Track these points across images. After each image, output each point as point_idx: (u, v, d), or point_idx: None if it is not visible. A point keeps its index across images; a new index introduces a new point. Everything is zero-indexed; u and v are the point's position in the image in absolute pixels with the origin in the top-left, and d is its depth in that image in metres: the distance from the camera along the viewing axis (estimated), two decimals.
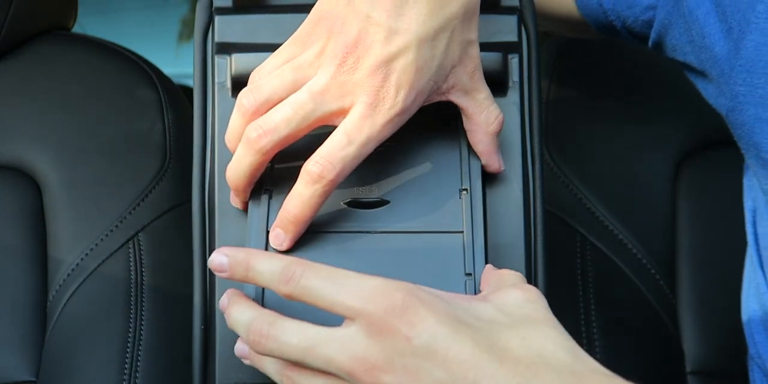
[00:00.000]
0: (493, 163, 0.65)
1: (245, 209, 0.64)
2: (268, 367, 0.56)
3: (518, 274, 0.59)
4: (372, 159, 0.64)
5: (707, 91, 0.76)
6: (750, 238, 0.78)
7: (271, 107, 0.60)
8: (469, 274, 0.63)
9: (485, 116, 0.64)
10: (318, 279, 0.53)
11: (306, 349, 0.52)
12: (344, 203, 0.64)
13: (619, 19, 0.82)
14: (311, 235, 0.63)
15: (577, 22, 0.84)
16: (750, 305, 0.79)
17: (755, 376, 0.78)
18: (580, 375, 0.50)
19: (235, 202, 0.65)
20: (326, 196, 0.60)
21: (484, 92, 0.63)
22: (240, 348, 0.59)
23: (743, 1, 0.70)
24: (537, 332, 0.52)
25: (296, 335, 0.52)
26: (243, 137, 0.60)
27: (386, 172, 0.65)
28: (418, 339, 0.50)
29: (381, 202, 0.64)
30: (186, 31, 2.77)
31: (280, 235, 0.61)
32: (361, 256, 0.63)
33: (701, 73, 0.76)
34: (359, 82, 0.59)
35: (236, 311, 0.56)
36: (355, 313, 0.51)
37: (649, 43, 0.81)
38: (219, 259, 0.55)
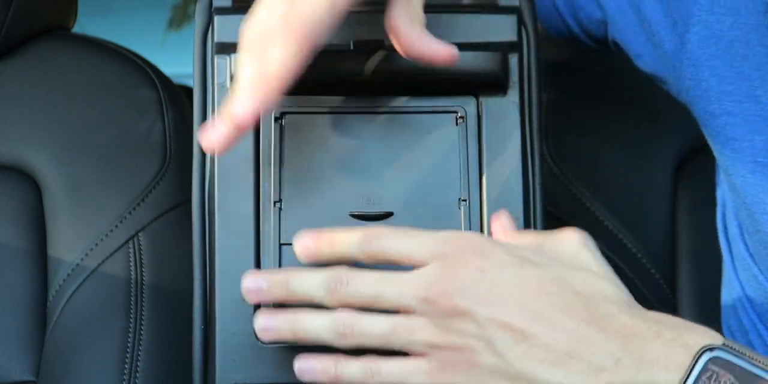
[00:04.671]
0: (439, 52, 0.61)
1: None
2: (319, 321, 0.59)
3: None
4: (374, 171, 0.66)
5: (672, 92, 0.76)
6: (720, 234, 0.78)
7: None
8: None
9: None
10: (394, 238, 0.58)
11: (378, 289, 0.57)
12: (351, 216, 0.66)
13: (576, 21, 0.82)
14: None
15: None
16: (726, 304, 0.80)
17: None
18: (634, 307, 0.56)
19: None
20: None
21: None
22: (265, 323, 0.60)
23: None
24: (595, 277, 0.56)
25: (372, 277, 0.57)
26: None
27: (389, 184, 0.66)
28: (489, 272, 0.55)
29: (385, 215, 0.66)
30: (176, 19, 2.76)
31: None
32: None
33: (659, 79, 0.76)
34: None
35: (304, 273, 0.59)
36: (433, 256, 0.56)
37: (610, 44, 0.80)
38: (304, 241, 0.60)
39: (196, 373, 0.66)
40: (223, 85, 0.67)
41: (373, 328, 0.57)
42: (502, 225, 0.64)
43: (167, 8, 2.74)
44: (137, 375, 0.79)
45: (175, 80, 0.95)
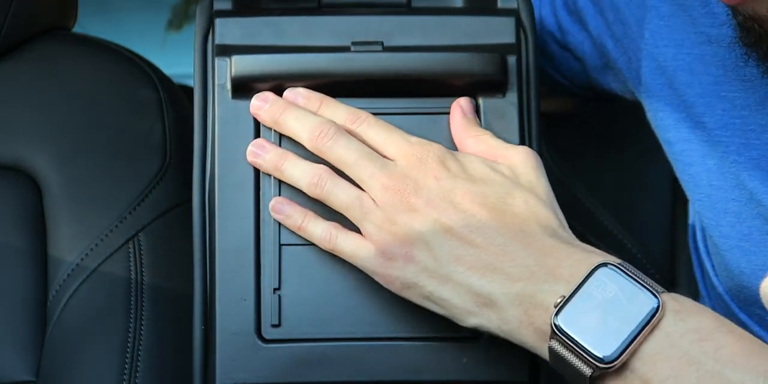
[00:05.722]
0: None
1: None
2: (302, 166, 0.65)
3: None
4: None
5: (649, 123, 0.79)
6: (693, 255, 0.81)
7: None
8: None
9: None
10: (374, 127, 0.65)
11: (358, 158, 0.63)
12: None
13: (559, 74, 0.86)
14: (326, 255, 0.65)
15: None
16: None
17: None
18: (561, 231, 0.62)
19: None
20: None
21: None
22: (258, 151, 0.66)
23: (633, 31, 0.73)
24: (536, 199, 0.62)
25: (355, 144, 0.64)
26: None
27: None
28: (444, 181, 0.61)
29: None
30: (176, 21, 2.75)
31: None
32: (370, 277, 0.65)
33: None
34: None
35: (303, 115, 0.66)
36: (401, 155, 0.63)
37: (597, 90, 0.84)
38: (298, 99, 0.67)
39: (196, 373, 0.66)
40: (223, 87, 0.67)
41: (341, 192, 0.63)
42: (463, 110, 0.66)
43: (167, 8, 2.74)
44: (137, 375, 0.79)
45: (175, 80, 0.95)
